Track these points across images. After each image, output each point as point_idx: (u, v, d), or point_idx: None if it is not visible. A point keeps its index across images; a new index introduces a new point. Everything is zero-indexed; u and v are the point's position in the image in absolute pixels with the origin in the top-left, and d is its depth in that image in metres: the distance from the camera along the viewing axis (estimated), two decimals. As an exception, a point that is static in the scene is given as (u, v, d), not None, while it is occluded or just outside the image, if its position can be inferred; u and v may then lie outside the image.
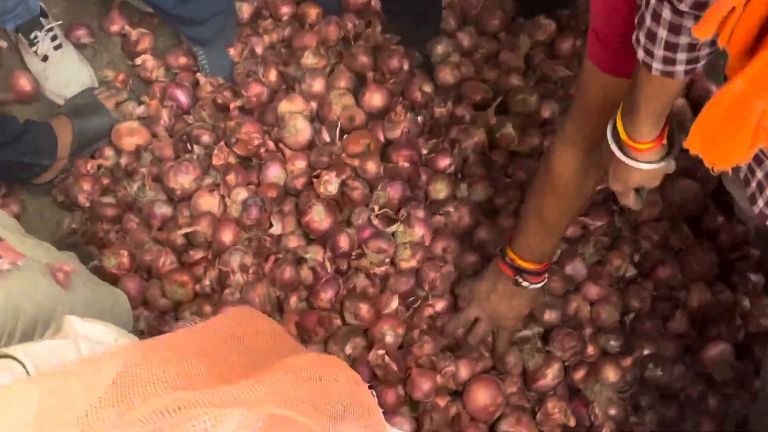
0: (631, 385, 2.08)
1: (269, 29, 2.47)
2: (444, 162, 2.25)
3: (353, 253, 2.12)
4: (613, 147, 1.46)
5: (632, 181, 1.51)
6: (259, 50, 2.46)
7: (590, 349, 2.09)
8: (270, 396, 0.92)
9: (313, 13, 2.47)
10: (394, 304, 2.07)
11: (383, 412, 1.93)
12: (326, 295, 2.05)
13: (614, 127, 1.45)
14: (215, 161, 2.26)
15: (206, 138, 2.32)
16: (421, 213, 2.16)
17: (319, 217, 2.15)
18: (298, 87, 2.36)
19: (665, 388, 2.09)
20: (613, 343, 2.13)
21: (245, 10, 2.49)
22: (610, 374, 2.07)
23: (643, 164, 1.46)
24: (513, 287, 1.94)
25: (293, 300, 2.10)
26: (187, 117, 2.39)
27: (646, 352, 2.11)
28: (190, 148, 2.32)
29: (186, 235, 2.19)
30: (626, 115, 1.41)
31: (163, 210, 2.24)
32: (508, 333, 2.02)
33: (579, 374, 2.08)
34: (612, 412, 2.06)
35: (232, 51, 2.46)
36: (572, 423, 2.03)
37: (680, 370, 2.09)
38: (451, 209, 2.19)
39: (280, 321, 2.08)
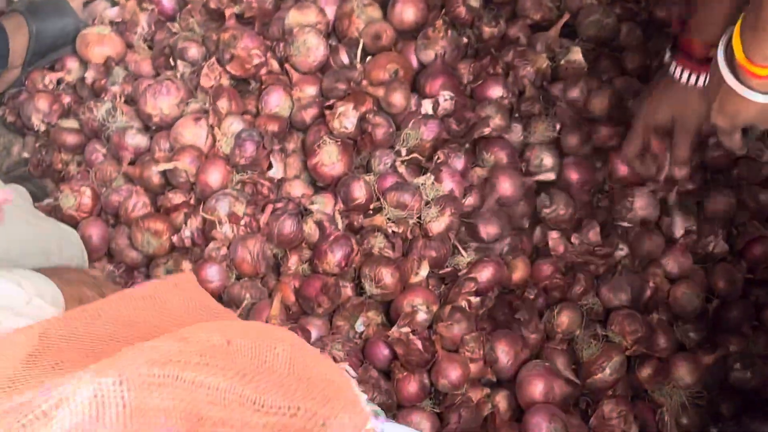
0: (711, 388, 1.92)
1: None
2: (495, 91, 2.07)
3: (370, 207, 1.92)
4: (724, 70, 1.33)
5: (742, 117, 1.39)
6: (263, -58, 2.29)
7: (662, 341, 1.93)
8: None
9: None
10: (424, 271, 1.92)
11: (400, 406, 1.78)
12: (334, 257, 1.90)
13: (728, 44, 1.31)
14: (204, 82, 2.11)
15: (194, 52, 2.17)
16: (460, 161, 1.97)
17: (330, 160, 1.98)
18: (312, -8, 2.21)
19: (754, 394, 1.94)
20: (691, 334, 1.98)
21: None
22: (686, 374, 1.91)
23: (760, 95, 1.33)
24: (694, 88, 1.67)
25: (293, 260, 1.95)
26: (171, 24, 2.24)
27: (732, 348, 1.96)
28: (173, 63, 2.17)
29: (164, 173, 2.03)
30: (748, 29, 1.26)
31: (137, 140, 2.09)
32: (690, 133, 1.76)
33: (646, 371, 1.92)
34: (685, 421, 1.91)
35: (227, -59, 2.30)
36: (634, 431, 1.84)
37: (774, 373, 1.96)
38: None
39: (276, 285, 1.94)
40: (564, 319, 1.90)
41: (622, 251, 1.98)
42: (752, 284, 1.99)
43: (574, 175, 1.99)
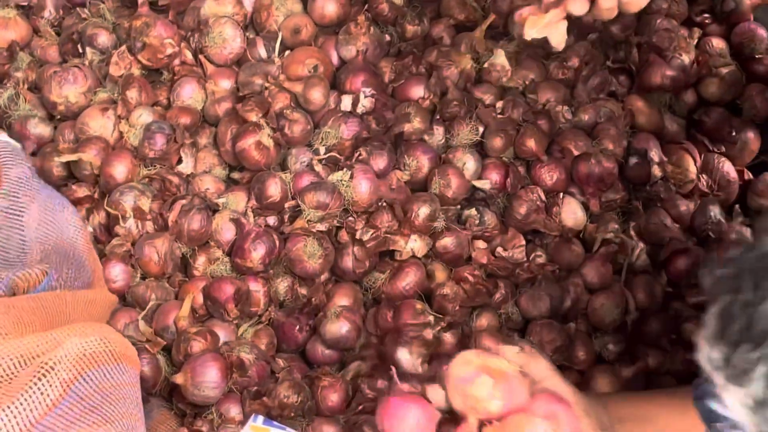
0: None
1: None
2: (417, 91, 2.02)
3: (286, 206, 1.89)
4: None
5: None
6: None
7: (581, 352, 1.90)
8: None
9: None
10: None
11: (317, 414, 1.72)
12: (258, 254, 1.83)
13: None
14: (113, 71, 2.03)
15: (104, 39, 2.08)
16: (383, 160, 1.92)
17: (267, 143, 1.92)
18: (231, -18, 2.12)
19: None
20: (610, 346, 1.94)
21: None
22: (606, 386, 1.87)
23: None
24: None
25: (201, 261, 1.88)
26: (80, 10, 2.14)
27: (650, 361, 1.92)
28: (81, 51, 2.08)
29: (67, 165, 1.95)
30: None
31: (40, 129, 2.01)
32: None
33: (565, 384, 1.86)
34: (602, 434, 1.85)
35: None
36: (553, 448, 1.80)
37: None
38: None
39: (183, 286, 1.87)
40: (483, 322, 1.87)
41: (541, 258, 1.95)
42: (672, 297, 1.96)
43: (495, 177, 1.96)
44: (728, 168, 2.07)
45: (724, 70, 2.12)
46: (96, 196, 1.92)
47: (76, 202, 1.90)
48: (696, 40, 2.14)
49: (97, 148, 1.92)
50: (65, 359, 1.14)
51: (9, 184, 1.64)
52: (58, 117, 2.01)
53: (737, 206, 2.07)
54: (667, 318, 1.94)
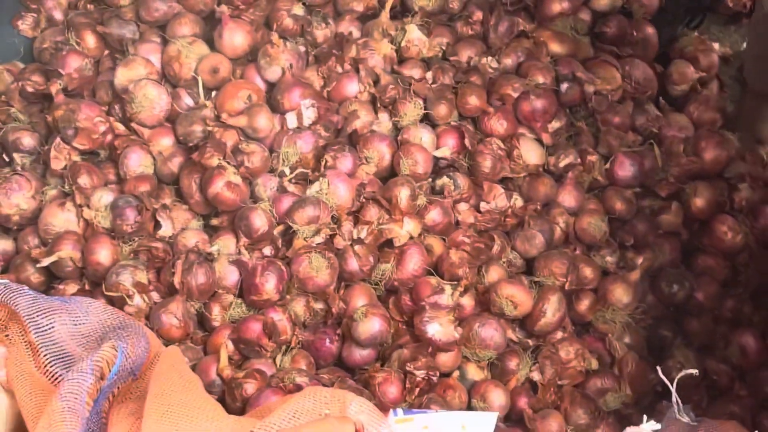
0: (641, 299, 2.07)
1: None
2: (351, 88, 2.14)
3: (275, 233, 1.97)
4: None
5: None
6: (58, 15, 2.29)
7: (587, 271, 2.05)
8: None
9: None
10: None
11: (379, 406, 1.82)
12: (271, 285, 1.91)
13: None
14: (55, 165, 2.07)
15: (29, 141, 2.14)
16: (348, 161, 2.04)
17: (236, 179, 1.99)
18: (131, 47, 2.20)
19: (684, 302, 2.10)
20: (608, 258, 2.11)
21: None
22: (622, 295, 2.04)
23: None
24: None
25: (216, 310, 1.95)
26: (-10, 120, 2.18)
27: (645, 258, 2.09)
28: (7, 158, 2.13)
29: (44, 268, 1.99)
30: None
31: (2, 245, 2.06)
32: None
33: (584, 303, 2.04)
34: (628, 340, 2.04)
35: (20, 24, 2.29)
36: (596, 365, 1.96)
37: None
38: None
39: (208, 339, 1.94)
40: (493, 276, 1.99)
41: (519, 201, 2.10)
42: (641, 198, 2.16)
43: (451, 142, 2.09)
44: (643, 67, 2.26)
45: (607, -22, 2.32)
46: (87, 287, 1.96)
47: (71, 300, 1.93)
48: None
49: (71, 242, 1.96)
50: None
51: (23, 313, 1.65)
52: (16, 227, 2.04)
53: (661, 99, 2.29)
54: (645, 216, 2.12)
